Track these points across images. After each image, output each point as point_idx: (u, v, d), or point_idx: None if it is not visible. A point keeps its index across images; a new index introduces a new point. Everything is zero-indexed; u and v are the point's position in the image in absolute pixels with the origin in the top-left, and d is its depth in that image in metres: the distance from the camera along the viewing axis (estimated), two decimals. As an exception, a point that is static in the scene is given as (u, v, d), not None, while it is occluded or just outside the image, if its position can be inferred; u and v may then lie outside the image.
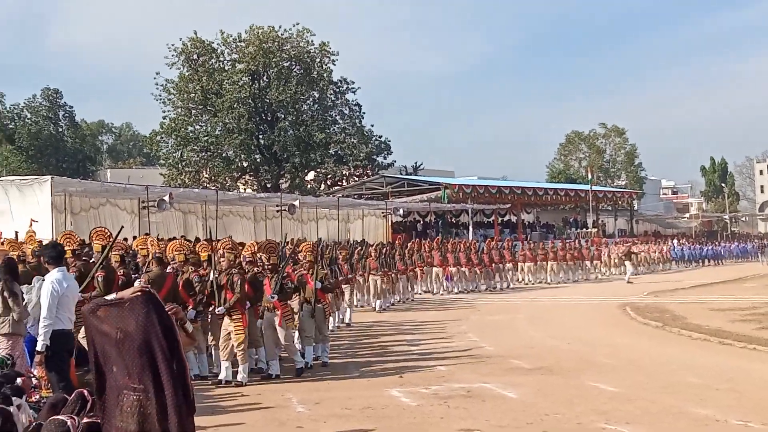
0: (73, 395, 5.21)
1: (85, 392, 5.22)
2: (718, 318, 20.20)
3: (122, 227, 13.40)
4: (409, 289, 29.21)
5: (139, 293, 5.35)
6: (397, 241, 34.27)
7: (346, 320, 20.81)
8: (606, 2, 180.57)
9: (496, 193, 50.14)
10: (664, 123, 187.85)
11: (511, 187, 52.57)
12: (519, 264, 36.95)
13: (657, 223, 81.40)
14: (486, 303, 27.27)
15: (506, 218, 55.74)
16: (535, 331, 19.53)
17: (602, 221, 65.73)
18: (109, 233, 13.83)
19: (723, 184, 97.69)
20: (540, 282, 37.16)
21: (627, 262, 39.01)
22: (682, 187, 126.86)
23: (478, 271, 33.15)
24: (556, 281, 37.52)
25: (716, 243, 65.32)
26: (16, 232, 18.81)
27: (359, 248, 26.33)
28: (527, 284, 36.46)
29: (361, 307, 24.71)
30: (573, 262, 39.47)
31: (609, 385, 11.88)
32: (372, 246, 28.11)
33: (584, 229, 59.43)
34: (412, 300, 28.70)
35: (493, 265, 34.05)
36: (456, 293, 31.25)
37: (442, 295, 30.95)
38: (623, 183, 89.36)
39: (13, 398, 7.09)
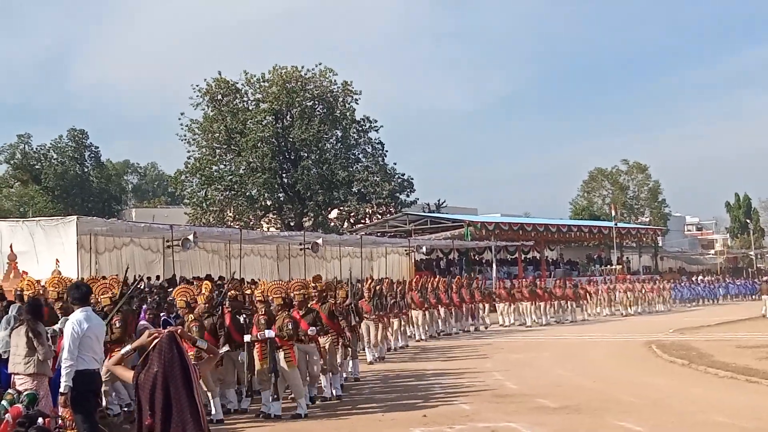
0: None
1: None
2: (745, 355, 19.93)
3: None
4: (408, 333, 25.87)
5: (164, 336, 5.39)
6: (391, 281, 28.79)
7: (349, 369, 17.84)
8: (626, 39, 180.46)
9: (519, 230, 50.01)
10: (688, 159, 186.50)
11: (534, 224, 52.49)
12: (495, 304, 34.12)
13: (682, 260, 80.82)
14: (508, 341, 27.07)
15: (530, 255, 55.54)
16: (560, 369, 19.34)
17: (626, 258, 65.35)
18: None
19: (748, 220, 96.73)
20: (516, 323, 33.97)
21: (764, 296, 38.20)
22: (706, 224, 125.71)
23: (448, 312, 29.65)
24: (536, 323, 34.07)
25: (714, 281, 59.82)
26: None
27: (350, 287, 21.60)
28: (505, 326, 33.36)
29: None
30: (557, 302, 36.01)
31: (636, 425, 11.76)
32: (366, 285, 23.30)
33: (608, 266, 59.03)
34: (405, 346, 24.75)
35: (464, 306, 30.74)
36: (425, 339, 27.16)
37: (426, 340, 26.98)
38: (647, 219, 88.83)
39: (38, 438, 7.13)
